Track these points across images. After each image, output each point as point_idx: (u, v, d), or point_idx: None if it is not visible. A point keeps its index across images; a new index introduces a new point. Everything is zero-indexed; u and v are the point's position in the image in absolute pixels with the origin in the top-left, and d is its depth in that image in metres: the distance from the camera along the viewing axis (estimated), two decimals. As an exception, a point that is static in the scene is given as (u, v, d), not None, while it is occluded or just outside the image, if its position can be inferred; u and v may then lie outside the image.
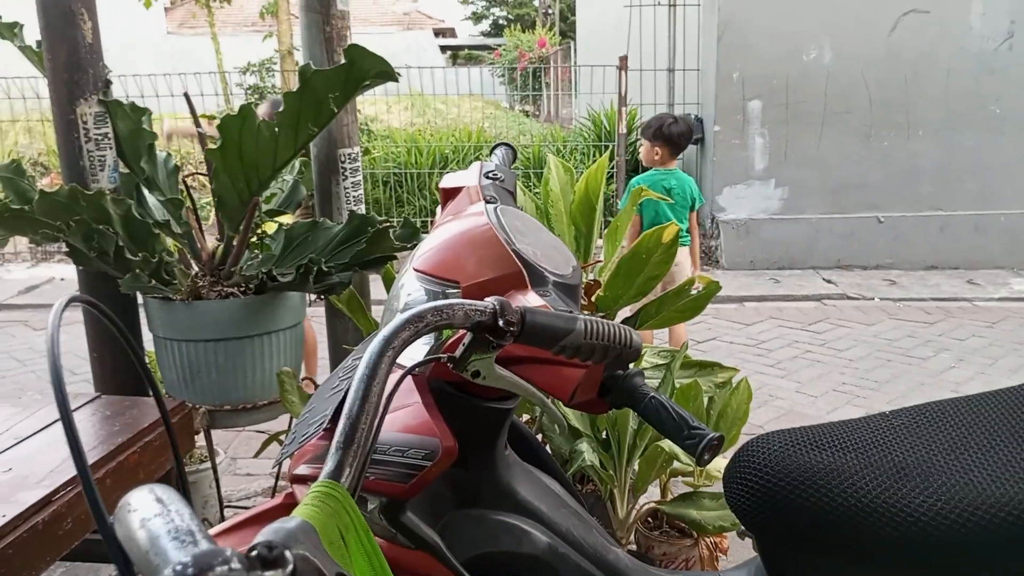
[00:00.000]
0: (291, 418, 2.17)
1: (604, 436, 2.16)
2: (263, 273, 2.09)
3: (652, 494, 2.39)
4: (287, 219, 2.53)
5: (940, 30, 6.51)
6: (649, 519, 2.27)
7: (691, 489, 2.14)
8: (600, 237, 2.24)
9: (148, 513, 0.41)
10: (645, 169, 4.07)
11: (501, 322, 0.79)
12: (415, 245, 2.13)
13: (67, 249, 2.00)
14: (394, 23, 21.14)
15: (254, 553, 0.40)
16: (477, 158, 7.21)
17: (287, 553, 0.40)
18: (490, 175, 1.36)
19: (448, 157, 7.59)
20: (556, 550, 1.16)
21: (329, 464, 0.65)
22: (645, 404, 0.99)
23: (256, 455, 2.40)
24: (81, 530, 1.69)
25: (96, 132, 2.06)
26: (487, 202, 1.24)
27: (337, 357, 2.45)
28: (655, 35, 7.10)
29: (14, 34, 2.14)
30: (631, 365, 1.05)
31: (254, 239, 2.28)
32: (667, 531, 2.23)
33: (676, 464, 2.12)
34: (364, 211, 2.30)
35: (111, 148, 2.11)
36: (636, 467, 2.14)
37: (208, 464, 2.42)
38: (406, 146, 7.63)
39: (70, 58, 2.01)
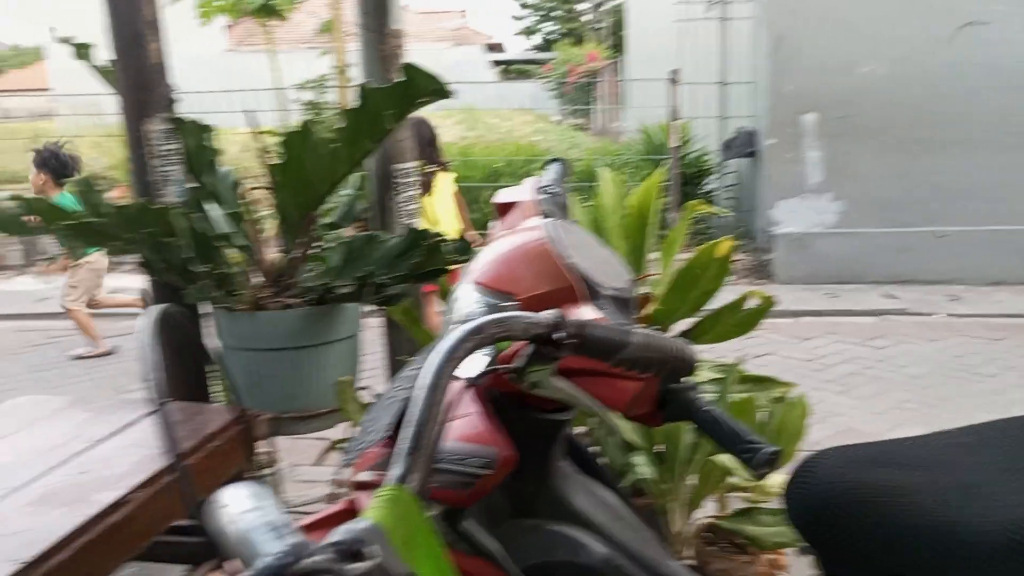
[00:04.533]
0: (349, 426, 2.21)
1: (659, 450, 2.15)
2: (322, 285, 2.14)
3: (709, 509, 2.37)
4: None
5: (1001, 42, 6.34)
6: (706, 534, 2.25)
7: (749, 505, 2.12)
8: (654, 251, 2.24)
9: (244, 507, 0.44)
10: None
11: (559, 335, 0.80)
12: (468, 258, 2.17)
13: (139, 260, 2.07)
14: (445, 39, 21.38)
15: (338, 547, 0.42)
16: (528, 172, 7.25)
17: (369, 549, 0.42)
18: (544, 190, 1.38)
19: (499, 171, 7.65)
20: (612, 561, 1.16)
21: (396, 469, 0.67)
22: (701, 416, 1.00)
23: (317, 463, 2.45)
24: (152, 531, 1.74)
25: (163, 148, 2.14)
26: (542, 216, 1.25)
27: (393, 367, 2.49)
28: (707, 49, 7.06)
29: (87, 55, 2.24)
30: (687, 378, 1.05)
31: (314, 252, 2.34)
32: (724, 547, 2.21)
33: (733, 479, 2.11)
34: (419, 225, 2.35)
35: (177, 164, 2.18)
36: (692, 481, 2.12)
37: (270, 470, 2.48)
38: (457, 160, 7.71)
39: (139, 77, 2.10)
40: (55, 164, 5.15)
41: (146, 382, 0.54)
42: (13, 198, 2.03)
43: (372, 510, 0.62)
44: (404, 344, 2.43)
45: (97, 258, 5.22)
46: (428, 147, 4.52)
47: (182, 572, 2.55)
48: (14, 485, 1.73)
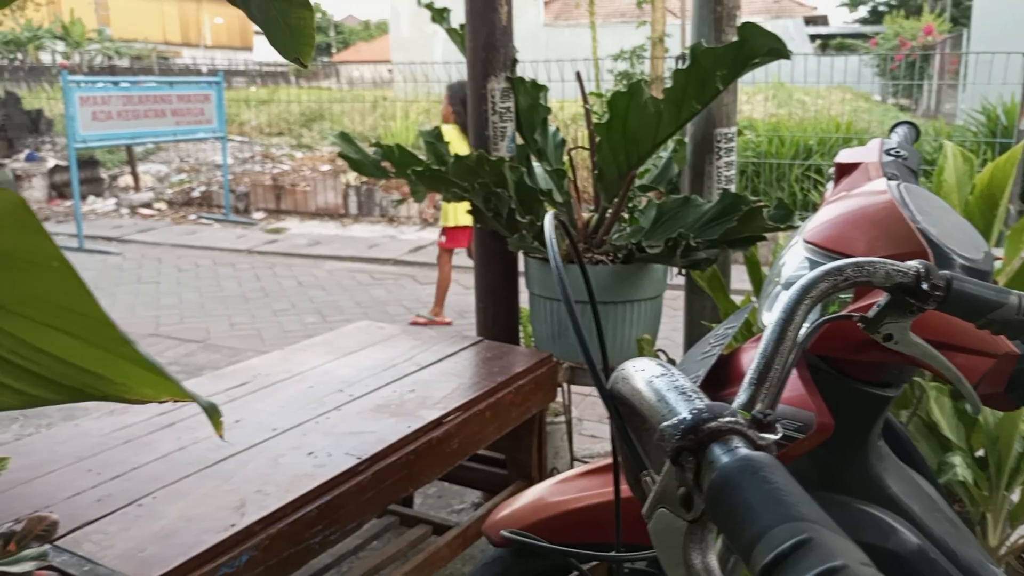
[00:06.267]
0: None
1: (980, 453, 1.95)
2: (632, 244, 2.19)
3: (1032, 529, 2.11)
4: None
5: None
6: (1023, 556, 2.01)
7: (1087, 532, 1.86)
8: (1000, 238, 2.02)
9: (654, 374, 0.48)
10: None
11: (926, 285, 0.76)
12: (787, 227, 2.10)
13: (469, 209, 2.27)
14: (762, 11, 20.49)
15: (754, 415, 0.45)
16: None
17: (778, 424, 0.45)
18: (892, 152, 1.30)
19: (812, 148, 7.24)
20: (926, 554, 1.09)
21: (742, 396, 0.69)
22: (1065, 405, 0.90)
23: (603, 419, 2.54)
24: (462, 452, 1.93)
25: (501, 105, 2.31)
26: (888, 179, 1.19)
27: (692, 332, 2.50)
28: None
29: (443, 18, 2.47)
30: None
31: (625, 213, 2.40)
32: (1048, 574, 1.96)
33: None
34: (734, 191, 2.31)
35: (511, 120, 2.35)
36: (1018, 494, 1.91)
37: (562, 418, 2.62)
38: (767, 135, 7.41)
39: (487, 39, 2.28)
40: None
41: (555, 273, 0.60)
42: (373, 144, 2.32)
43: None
44: (706, 311, 2.43)
45: None
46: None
47: (476, 498, 2.79)
48: (355, 394, 2.00)
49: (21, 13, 20.28)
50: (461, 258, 5.21)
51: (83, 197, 8.93)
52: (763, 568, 0.36)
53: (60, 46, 21.14)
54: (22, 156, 10.36)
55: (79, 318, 0.39)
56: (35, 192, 9.60)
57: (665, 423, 0.44)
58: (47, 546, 1.21)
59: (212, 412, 0.47)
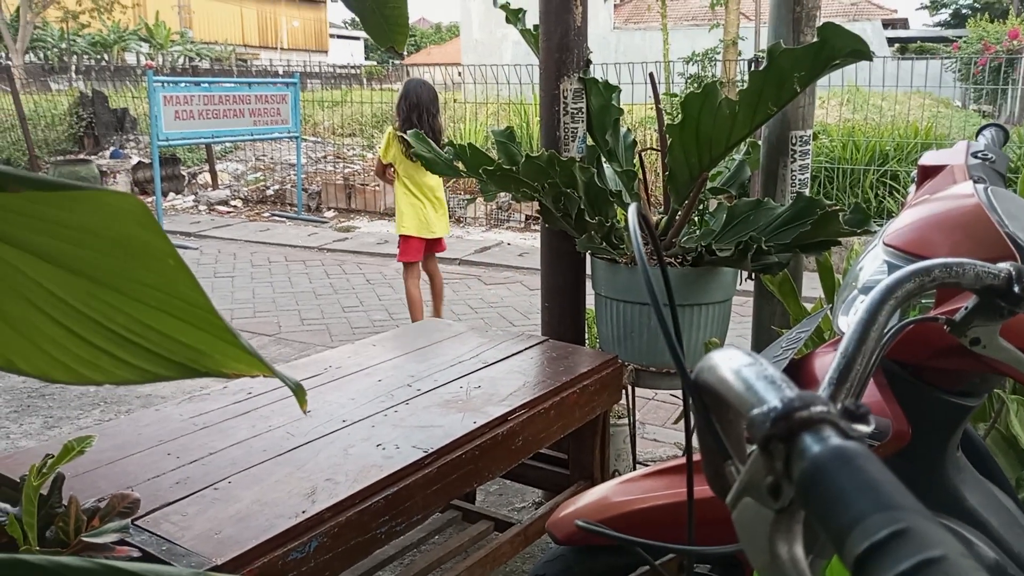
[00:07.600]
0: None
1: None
2: (702, 246, 2.17)
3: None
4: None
5: None
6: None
7: None
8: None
9: (741, 363, 0.48)
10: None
11: (1018, 288, 0.74)
12: (863, 232, 2.06)
13: (538, 209, 2.28)
14: (840, 14, 20.01)
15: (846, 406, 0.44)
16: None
17: (871, 416, 0.44)
18: (979, 155, 1.26)
19: (888, 154, 7.04)
20: (1004, 570, 1.06)
21: (822, 396, 0.68)
22: None
23: (676, 421, 2.52)
24: (526, 450, 1.94)
25: (573, 106, 2.32)
26: (975, 182, 1.16)
27: (760, 338, 2.46)
28: None
29: (518, 19, 2.48)
30: None
31: (697, 214, 2.38)
32: None
33: None
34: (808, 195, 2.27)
35: (583, 121, 2.35)
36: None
37: (625, 420, 2.61)
38: (841, 140, 7.24)
39: (561, 39, 2.29)
40: None
41: (636, 254, 0.61)
42: (446, 144, 2.35)
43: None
44: (776, 317, 2.39)
45: None
46: (431, 110, 4.23)
47: (537, 497, 2.80)
48: (422, 389, 2.03)
49: (108, 16, 21.15)
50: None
51: (164, 193, 9.25)
52: (857, 558, 0.36)
53: (145, 47, 21.96)
54: (107, 153, 10.79)
55: (189, 307, 0.44)
56: (119, 188, 9.98)
57: (755, 411, 0.44)
58: (127, 521, 1.26)
59: (298, 390, 0.51)
